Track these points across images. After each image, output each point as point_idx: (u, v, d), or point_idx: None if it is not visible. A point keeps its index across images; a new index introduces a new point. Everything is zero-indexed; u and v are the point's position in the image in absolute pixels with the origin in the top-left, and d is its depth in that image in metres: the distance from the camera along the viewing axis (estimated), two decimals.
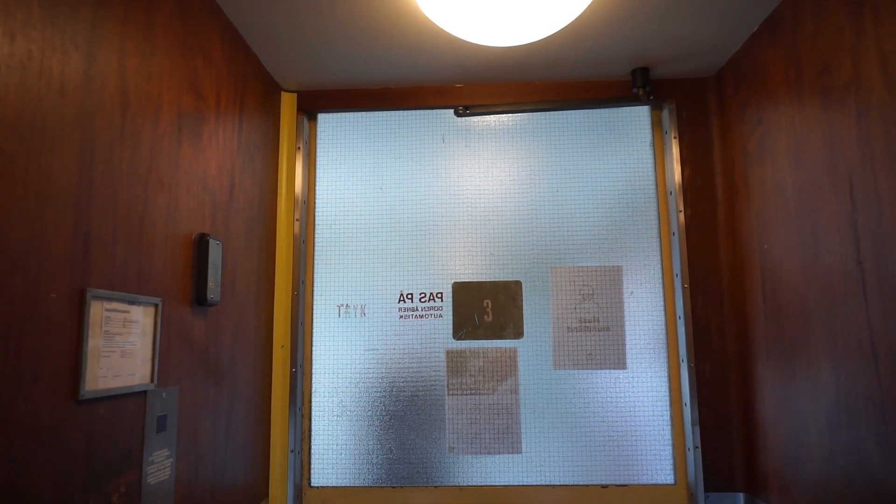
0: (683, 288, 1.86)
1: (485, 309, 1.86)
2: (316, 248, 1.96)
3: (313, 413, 1.87)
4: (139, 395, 1.12)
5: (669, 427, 1.83)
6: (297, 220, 1.95)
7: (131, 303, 1.09)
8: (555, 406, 1.84)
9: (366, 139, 2.01)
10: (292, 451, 1.83)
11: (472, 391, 1.84)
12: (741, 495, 1.75)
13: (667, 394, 1.85)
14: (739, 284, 1.79)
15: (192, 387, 1.33)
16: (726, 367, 1.82)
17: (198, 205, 1.38)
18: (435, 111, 2.01)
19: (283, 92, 1.99)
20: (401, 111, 2.02)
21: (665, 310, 1.89)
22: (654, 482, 1.80)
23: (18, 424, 0.82)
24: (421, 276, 1.91)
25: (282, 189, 1.94)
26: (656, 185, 1.95)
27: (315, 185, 2.02)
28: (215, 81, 1.48)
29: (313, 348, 1.90)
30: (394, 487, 1.82)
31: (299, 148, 1.99)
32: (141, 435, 1.12)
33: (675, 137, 1.93)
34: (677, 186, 1.91)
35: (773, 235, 1.59)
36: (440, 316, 1.88)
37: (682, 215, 1.90)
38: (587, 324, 1.87)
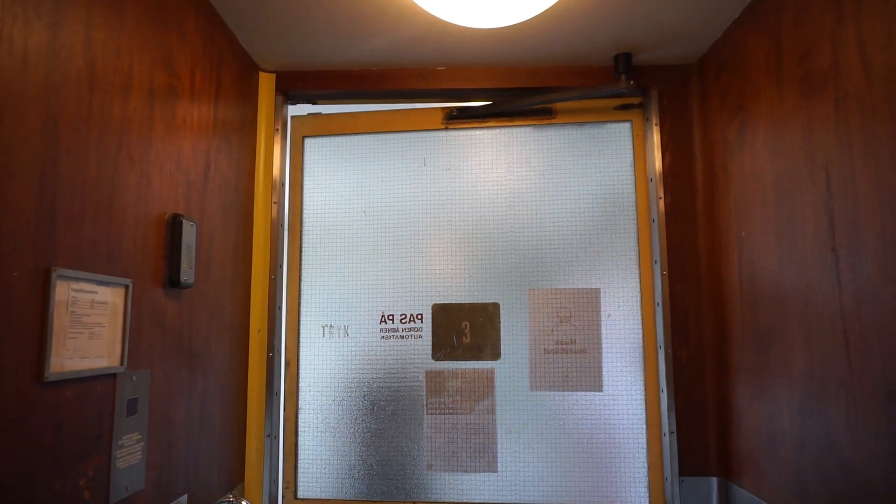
0: (662, 275, 1.87)
1: (463, 330, 1.88)
2: (303, 268, 1.99)
3: (300, 428, 1.92)
4: (108, 378, 1.09)
5: (646, 452, 1.83)
6: (275, 202, 1.92)
7: (100, 283, 1.06)
8: (530, 427, 1.86)
9: (349, 161, 2.02)
10: (268, 435, 1.82)
11: (451, 411, 1.87)
12: (714, 479, 1.78)
13: (643, 418, 1.84)
14: (717, 272, 1.80)
15: (164, 370, 1.30)
16: (703, 354, 1.83)
17: (171, 184, 1.35)
18: (417, 133, 2.01)
19: (260, 72, 1.95)
20: (387, 134, 2.03)
21: (643, 328, 1.87)
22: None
23: None
24: (402, 297, 1.94)
25: (259, 171, 1.91)
26: (636, 206, 1.93)
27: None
28: (189, 59, 1.44)
29: (300, 367, 1.95)
30: (374, 502, 1.86)
31: (277, 129, 1.96)
32: (110, 418, 1.10)
33: (656, 124, 1.93)
34: (658, 173, 1.91)
35: (751, 223, 1.59)
36: (420, 337, 1.91)
37: (661, 202, 1.90)
38: (564, 346, 1.87)
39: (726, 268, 1.74)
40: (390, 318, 1.92)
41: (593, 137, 1.98)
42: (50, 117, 0.95)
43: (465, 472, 1.84)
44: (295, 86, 1.97)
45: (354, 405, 1.91)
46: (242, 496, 1.73)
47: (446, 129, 2.01)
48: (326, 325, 1.95)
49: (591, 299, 1.90)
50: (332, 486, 1.88)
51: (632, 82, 1.88)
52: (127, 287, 1.14)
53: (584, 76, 1.96)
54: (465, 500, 1.83)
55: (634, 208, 1.94)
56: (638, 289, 1.90)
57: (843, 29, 1.20)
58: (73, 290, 0.99)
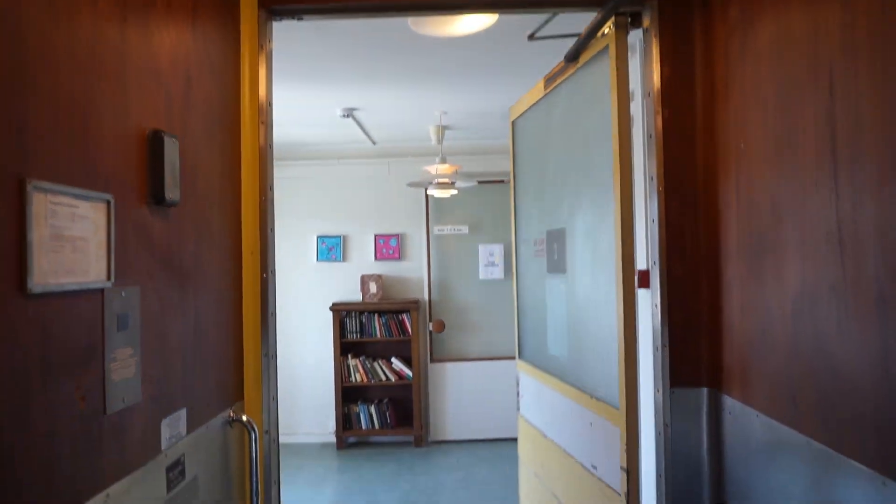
0: (658, 191, 1.84)
1: (555, 250, 2.46)
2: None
3: (520, 317, 2.89)
4: (95, 293, 1.09)
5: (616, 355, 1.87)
6: (263, 123, 1.87)
7: (78, 197, 1.04)
8: (563, 314, 2.42)
9: None
10: (266, 354, 1.84)
11: (554, 309, 2.57)
12: (705, 390, 1.81)
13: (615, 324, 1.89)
14: (714, 186, 1.77)
15: (154, 287, 1.30)
16: (698, 270, 1.83)
17: (150, 99, 1.30)
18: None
19: None
20: None
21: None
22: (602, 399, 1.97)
23: None
24: (536, 227, 2.66)
25: (245, 89, 1.85)
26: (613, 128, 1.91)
27: None
28: None
29: (518, 278, 2.91)
30: (542, 370, 2.57)
31: (262, 46, 1.88)
32: (101, 333, 1.10)
33: (655, 35, 1.85)
34: (655, 87, 1.85)
35: (750, 133, 1.55)
36: (544, 255, 2.54)
37: (659, 117, 1.84)
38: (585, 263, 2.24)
39: (723, 182, 1.71)
40: (535, 241, 2.66)
41: (591, 73, 2.03)
42: (10, 23, 0.90)
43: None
44: (279, 0, 1.88)
45: (532, 297, 2.76)
46: (243, 412, 1.77)
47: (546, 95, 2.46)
48: (525, 240, 2.82)
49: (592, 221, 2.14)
50: (531, 354, 2.75)
51: None
52: (108, 202, 1.12)
53: None
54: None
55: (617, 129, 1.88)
56: (611, 206, 1.87)
57: None
58: (52, 203, 0.97)
